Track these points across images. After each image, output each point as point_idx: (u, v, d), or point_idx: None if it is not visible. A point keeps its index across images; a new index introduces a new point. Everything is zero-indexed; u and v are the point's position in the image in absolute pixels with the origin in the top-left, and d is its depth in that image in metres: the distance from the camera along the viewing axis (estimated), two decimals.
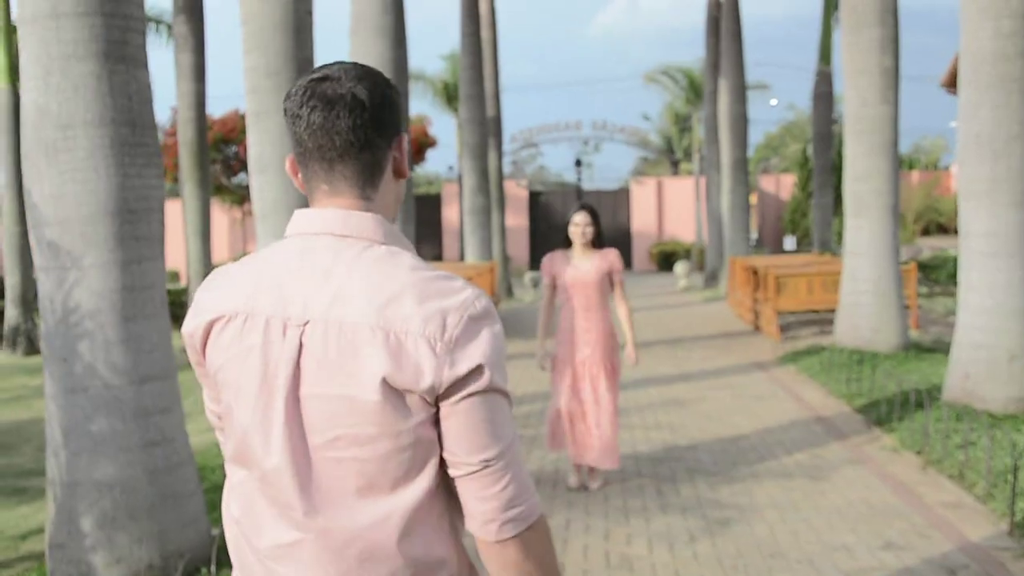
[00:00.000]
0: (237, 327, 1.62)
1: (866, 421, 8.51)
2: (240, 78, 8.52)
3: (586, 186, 39.34)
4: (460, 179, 26.56)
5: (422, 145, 32.18)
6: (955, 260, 21.51)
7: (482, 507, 1.57)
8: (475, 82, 21.24)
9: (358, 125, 1.62)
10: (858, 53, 11.66)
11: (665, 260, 34.85)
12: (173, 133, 26.33)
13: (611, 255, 6.45)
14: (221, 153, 29.54)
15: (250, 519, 1.65)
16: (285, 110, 1.66)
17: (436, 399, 1.55)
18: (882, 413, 8.50)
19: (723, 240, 23.87)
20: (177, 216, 25.58)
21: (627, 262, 36.63)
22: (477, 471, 1.56)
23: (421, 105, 39.61)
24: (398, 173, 1.73)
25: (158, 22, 25.32)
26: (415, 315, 1.53)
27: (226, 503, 1.72)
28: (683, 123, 46.48)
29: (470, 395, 1.54)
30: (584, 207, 6.49)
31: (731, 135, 22.47)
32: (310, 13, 8.54)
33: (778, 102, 62.46)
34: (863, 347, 11.67)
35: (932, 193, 37.29)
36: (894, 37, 11.62)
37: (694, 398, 9.88)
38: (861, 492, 6.43)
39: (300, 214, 1.68)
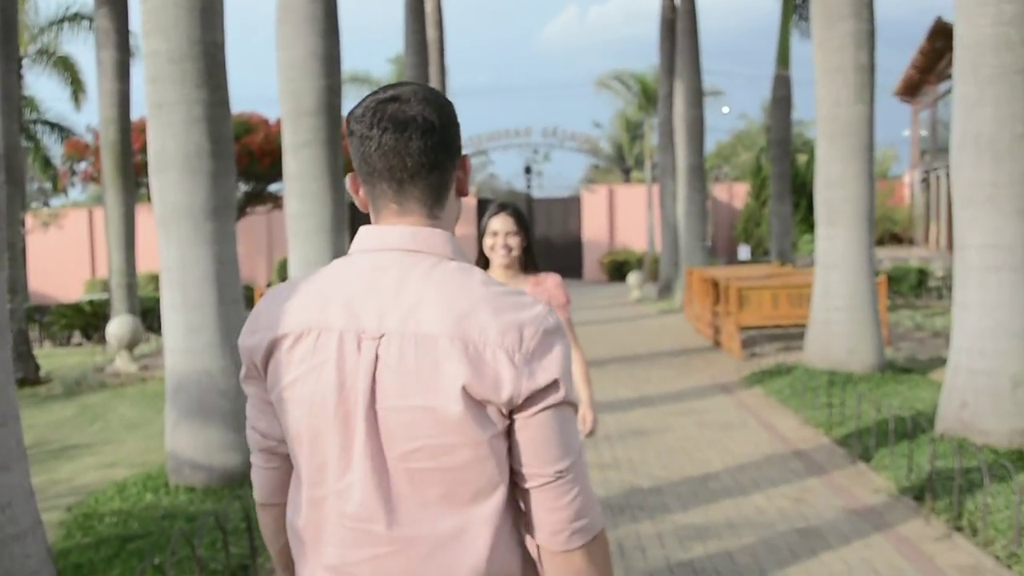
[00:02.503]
0: (310, 343, 1.62)
1: (850, 456, 7.55)
2: None
3: (536, 194, 38.30)
4: None
5: None
6: (918, 271, 20.79)
7: (552, 517, 1.59)
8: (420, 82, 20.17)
9: (429, 147, 1.64)
10: (831, 49, 10.75)
11: (616, 270, 33.95)
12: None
13: (549, 283, 4.26)
14: None
15: (319, 536, 1.64)
16: (351, 130, 1.67)
17: (511, 411, 1.57)
18: (867, 446, 7.55)
19: (678, 249, 22.99)
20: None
21: (577, 272, 35.71)
22: (550, 482, 1.58)
23: None
24: (460, 191, 1.76)
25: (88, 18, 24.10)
26: (492, 327, 1.55)
27: (290, 518, 1.71)
28: (635, 130, 45.70)
29: (546, 407, 1.56)
30: (504, 208, 4.25)
31: (687, 139, 21.61)
32: None
33: (730, 111, 61.97)
34: (836, 367, 10.74)
35: (886, 203, 36.84)
36: (870, 32, 10.72)
37: (656, 427, 8.87)
38: (860, 551, 5.44)
39: (367, 231, 1.70)
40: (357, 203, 1.74)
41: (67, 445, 9.57)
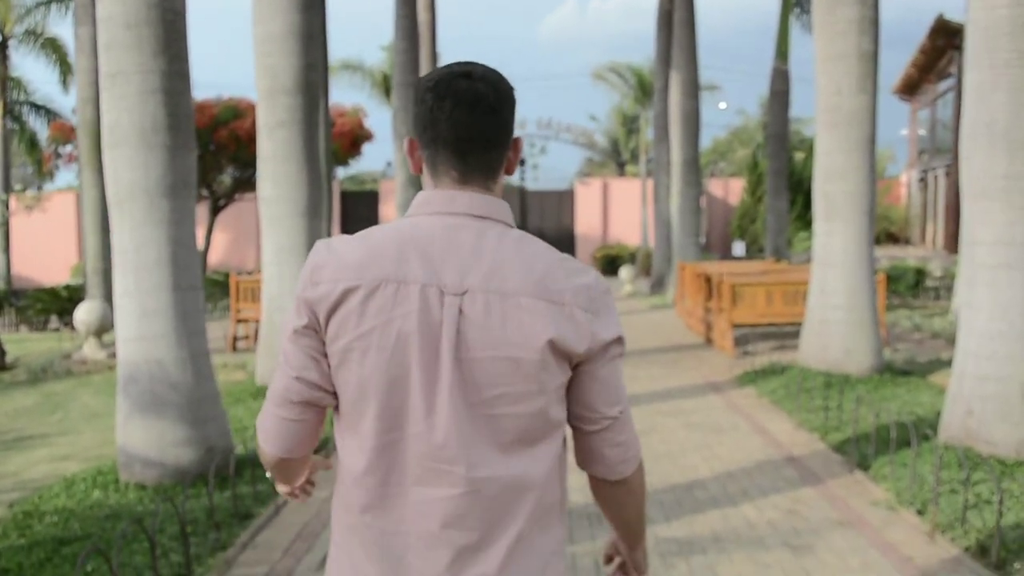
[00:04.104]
0: (389, 295, 1.72)
1: (847, 463, 7.08)
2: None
3: (530, 186, 37.80)
4: None
5: (357, 138, 30.42)
6: (916, 271, 20.34)
7: (615, 452, 1.86)
8: (410, 68, 19.65)
9: (493, 125, 1.79)
10: (833, 35, 10.24)
11: (610, 264, 33.44)
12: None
13: None
14: None
15: (390, 477, 1.74)
16: (422, 98, 1.80)
17: (579, 363, 1.77)
18: (865, 453, 7.09)
19: (671, 244, 22.49)
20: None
21: None
22: (614, 421, 1.83)
23: (359, 97, 38.00)
24: (508, 170, 1.90)
25: None
26: (568, 288, 1.75)
27: (349, 464, 1.78)
28: (630, 124, 45.22)
29: (613, 358, 1.81)
30: None
31: (682, 133, 21.09)
32: None
33: (727, 107, 61.42)
34: (832, 368, 10.25)
35: (883, 202, 36.42)
36: (874, 19, 10.22)
37: (641, 428, 8.36)
38: (857, 572, 4.97)
39: (433, 194, 1.83)
40: (410, 165, 1.88)
41: (23, 435, 9.10)
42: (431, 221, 1.79)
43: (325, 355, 1.78)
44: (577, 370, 1.78)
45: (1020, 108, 6.63)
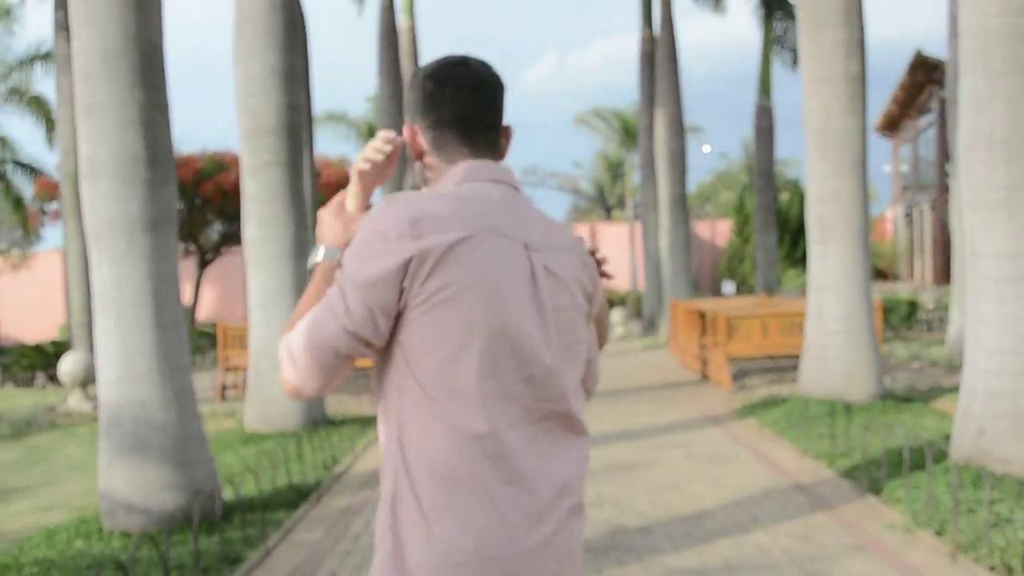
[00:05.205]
0: (491, 244, 1.78)
1: (857, 488, 6.84)
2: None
3: None
4: None
5: (344, 189, 30.27)
6: (908, 303, 20.20)
7: (595, 379, 2.09)
8: (395, 114, 19.58)
9: (492, 106, 1.95)
10: (820, 58, 10.15)
11: None
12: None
13: None
14: None
15: (500, 425, 1.76)
16: (422, 86, 1.93)
17: None
18: (876, 477, 6.85)
19: (661, 284, 22.31)
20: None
21: None
22: (591, 364, 2.06)
23: (344, 148, 37.99)
24: (500, 155, 2.00)
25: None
26: (578, 244, 1.97)
27: (467, 425, 1.75)
28: (616, 170, 45.30)
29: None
30: None
31: (669, 169, 21.01)
32: None
33: (711, 150, 61.58)
34: (833, 396, 10.02)
35: (869, 238, 36.38)
36: (860, 40, 10.14)
37: (641, 461, 8.14)
38: None
39: (477, 163, 1.92)
40: (410, 151, 1.95)
41: (4, 488, 8.81)
42: (486, 187, 1.88)
43: (391, 312, 1.76)
44: None
45: (1019, 118, 6.49)
